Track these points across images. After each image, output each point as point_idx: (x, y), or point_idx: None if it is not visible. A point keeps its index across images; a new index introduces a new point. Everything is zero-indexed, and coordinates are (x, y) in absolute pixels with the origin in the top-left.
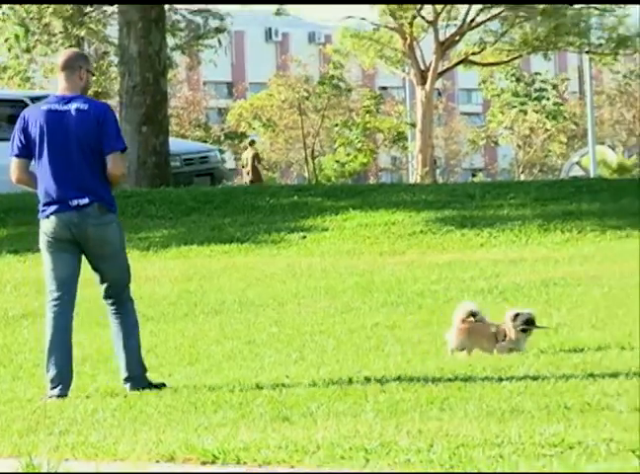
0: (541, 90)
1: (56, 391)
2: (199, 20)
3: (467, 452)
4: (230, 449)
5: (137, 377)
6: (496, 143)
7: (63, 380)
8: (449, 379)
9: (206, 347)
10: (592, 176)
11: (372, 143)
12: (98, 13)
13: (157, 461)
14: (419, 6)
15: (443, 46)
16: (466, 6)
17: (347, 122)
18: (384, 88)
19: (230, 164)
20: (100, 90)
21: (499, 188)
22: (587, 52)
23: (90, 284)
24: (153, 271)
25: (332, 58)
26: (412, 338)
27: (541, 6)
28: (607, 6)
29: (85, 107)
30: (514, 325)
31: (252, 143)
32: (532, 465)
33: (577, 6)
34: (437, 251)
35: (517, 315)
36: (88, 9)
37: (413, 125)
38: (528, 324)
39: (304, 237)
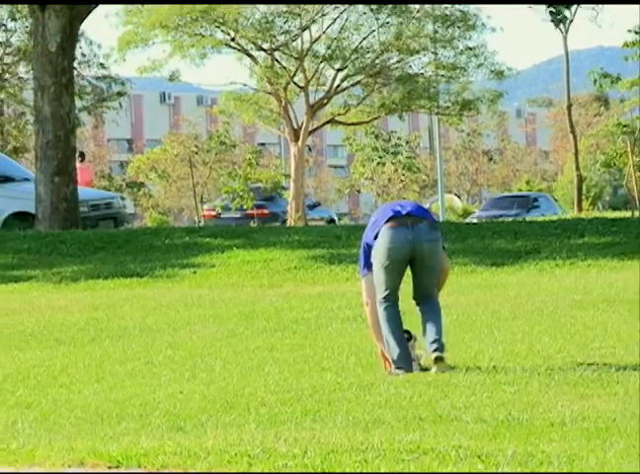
0: (397, 146)
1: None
2: (102, 85)
3: (337, 458)
4: (132, 455)
5: (439, 349)
6: (358, 192)
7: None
8: (320, 395)
9: (111, 367)
10: (441, 220)
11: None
12: (15, 79)
13: (69, 466)
14: (292, 74)
15: (313, 108)
16: (333, 74)
17: (231, 174)
18: (263, 144)
19: (131, 209)
20: (18, 145)
21: (361, 230)
22: (436, 114)
23: (6, 314)
24: (65, 301)
25: (218, 119)
26: (288, 359)
27: (397, 74)
28: (453, 73)
29: None
30: None
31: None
32: (392, 468)
33: (427, 74)
34: (309, 284)
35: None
36: (7, 75)
37: (287, 176)
38: None
39: (195, 272)
